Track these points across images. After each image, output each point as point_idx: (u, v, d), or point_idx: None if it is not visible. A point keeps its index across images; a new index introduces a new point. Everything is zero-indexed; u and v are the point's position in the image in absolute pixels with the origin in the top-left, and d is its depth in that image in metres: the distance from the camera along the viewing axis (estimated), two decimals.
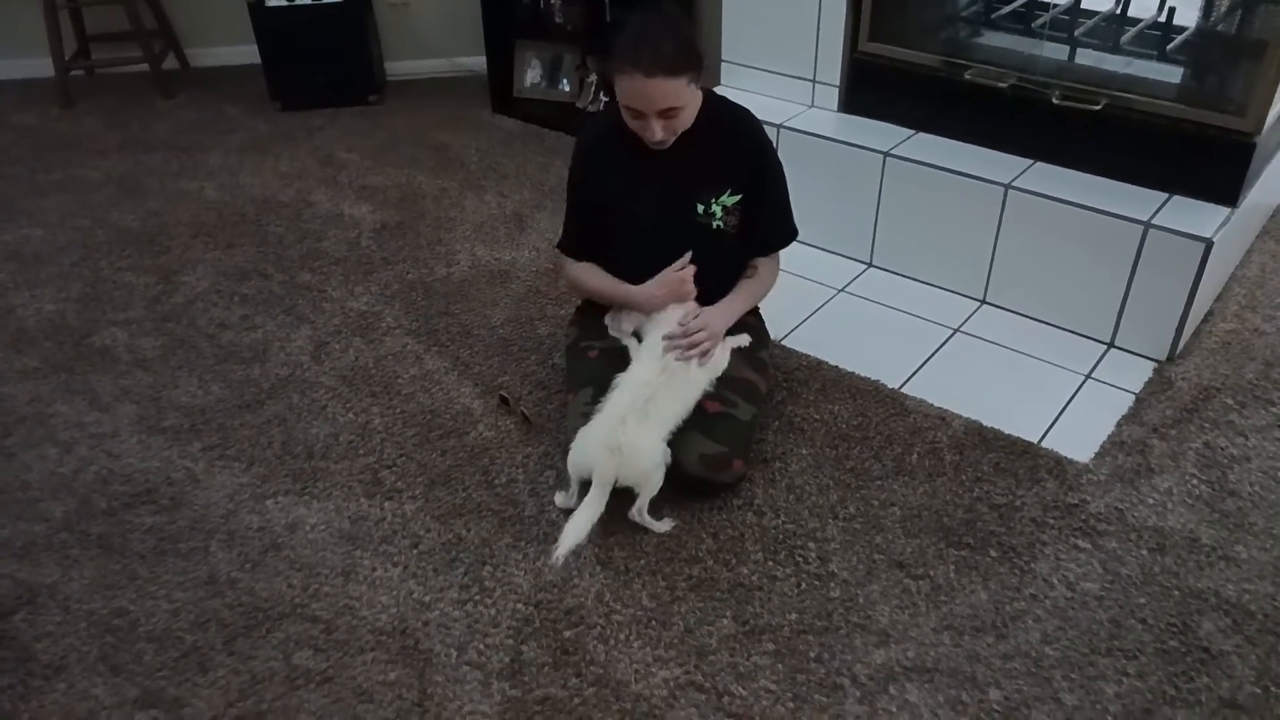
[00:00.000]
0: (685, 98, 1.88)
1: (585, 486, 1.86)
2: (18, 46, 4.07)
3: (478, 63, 4.00)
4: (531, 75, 3.76)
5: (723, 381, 2.00)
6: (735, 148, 2.03)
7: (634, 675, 1.67)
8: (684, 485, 1.92)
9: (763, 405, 2.11)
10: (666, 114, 1.88)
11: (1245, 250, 2.74)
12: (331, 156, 3.48)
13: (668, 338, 1.95)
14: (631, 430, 1.81)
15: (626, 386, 1.90)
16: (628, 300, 2.08)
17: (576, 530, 1.77)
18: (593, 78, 3.63)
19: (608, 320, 2.12)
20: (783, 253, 2.18)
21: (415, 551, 1.92)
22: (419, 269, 2.83)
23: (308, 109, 3.81)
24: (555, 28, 3.54)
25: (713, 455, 1.90)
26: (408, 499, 2.04)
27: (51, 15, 3.72)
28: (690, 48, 1.87)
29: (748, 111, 2.07)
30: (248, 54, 4.10)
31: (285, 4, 3.60)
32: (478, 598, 1.82)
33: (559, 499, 2.00)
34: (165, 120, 3.80)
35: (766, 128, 2.10)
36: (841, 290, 2.69)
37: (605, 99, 3.61)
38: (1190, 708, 1.60)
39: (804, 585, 1.83)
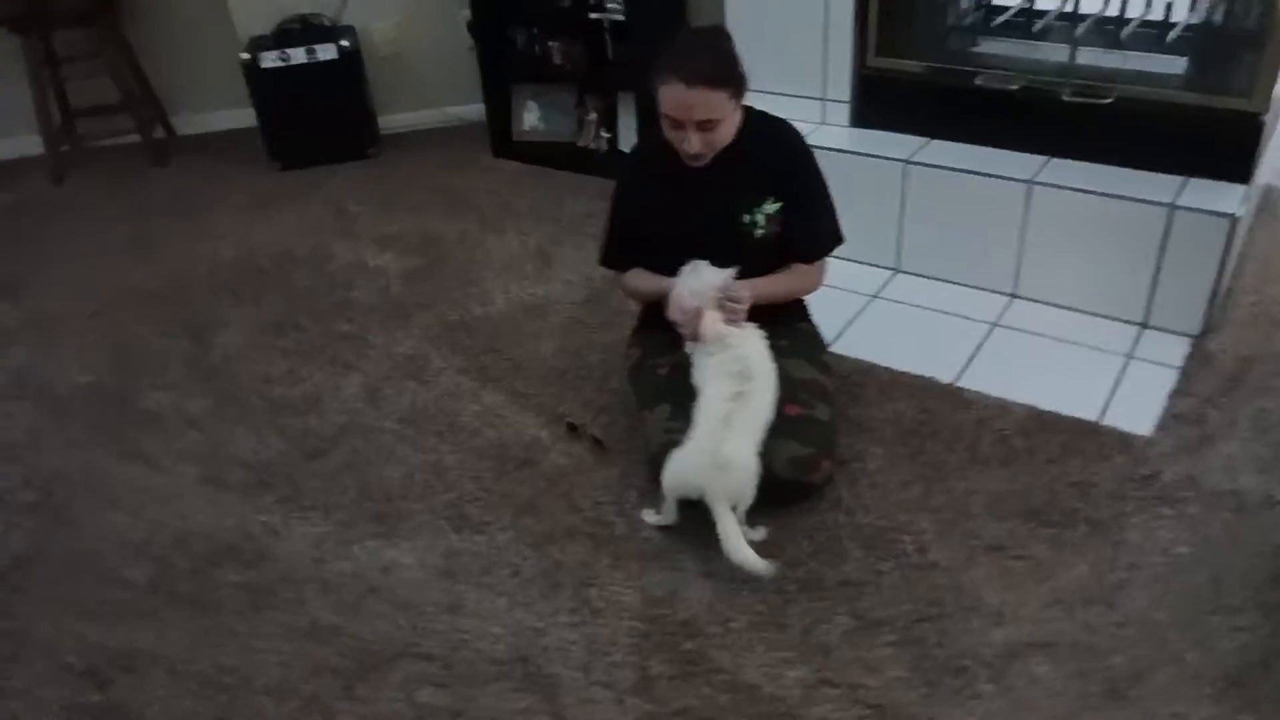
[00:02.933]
0: (724, 111, 1.94)
1: (681, 505, 1.91)
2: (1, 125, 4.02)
3: (470, 110, 4.04)
4: (530, 118, 3.81)
5: (794, 384, 2.03)
6: (774, 156, 2.09)
7: (764, 679, 1.69)
8: (774, 491, 1.94)
9: (835, 405, 2.16)
10: (704, 126, 1.93)
11: (1249, 228, 2.87)
12: (342, 210, 3.49)
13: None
14: (731, 445, 1.83)
15: (710, 405, 1.90)
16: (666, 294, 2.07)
17: (739, 545, 1.78)
18: (592, 115, 3.69)
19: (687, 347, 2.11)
20: None
21: (516, 580, 1.92)
22: (456, 310, 2.84)
23: (307, 166, 3.81)
24: (553, 69, 3.60)
25: (802, 457, 1.93)
26: (497, 530, 2.04)
27: (40, 92, 3.69)
28: (733, 64, 1.94)
29: (786, 122, 2.13)
30: (236, 118, 4.10)
31: (280, 64, 3.61)
32: (590, 619, 1.82)
33: (650, 518, 2.01)
34: (163, 186, 3.78)
35: None
36: (875, 297, 2.76)
37: (607, 136, 3.67)
38: None
39: (909, 576, 1.86)
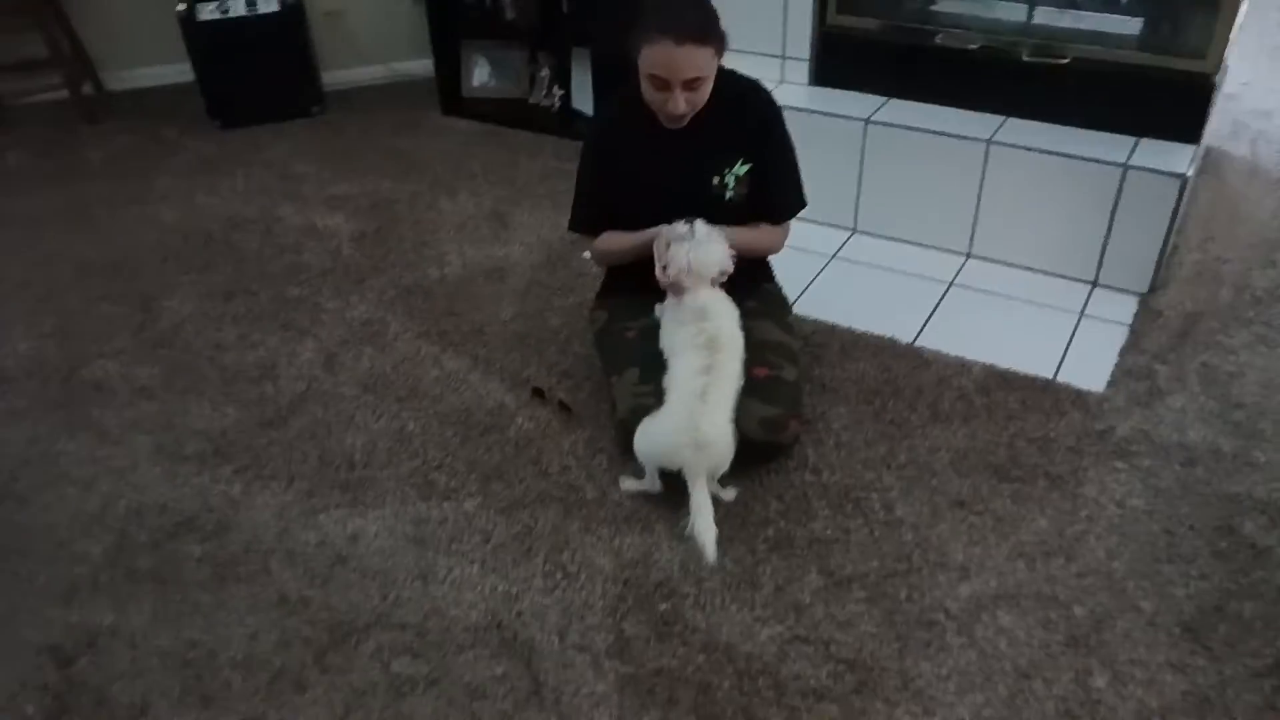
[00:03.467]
0: (710, 69, 1.92)
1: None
2: None
3: (417, 66, 3.95)
4: (480, 75, 3.73)
5: (762, 346, 2.04)
6: (746, 118, 2.08)
7: (740, 637, 1.71)
8: (744, 452, 1.94)
9: (801, 364, 2.17)
10: (690, 84, 1.91)
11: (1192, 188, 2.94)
12: (288, 170, 3.39)
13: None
14: (708, 421, 1.82)
15: (683, 380, 1.88)
16: (647, 245, 2.04)
17: (707, 525, 1.75)
18: (545, 72, 3.63)
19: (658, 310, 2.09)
20: None
21: (488, 546, 1.91)
22: (411, 273, 2.78)
23: (250, 125, 3.69)
24: (504, 25, 3.53)
25: (771, 417, 1.94)
26: (466, 497, 2.02)
27: None
28: (715, 19, 1.92)
29: (757, 82, 2.12)
30: (170, 74, 3.96)
31: (219, 17, 3.48)
32: (564, 583, 1.82)
33: (630, 485, 2.00)
34: (97, 148, 3.62)
35: None
36: (834, 257, 2.77)
37: (560, 93, 3.61)
38: (1254, 599, 1.73)
39: (877, 533, 1.90)
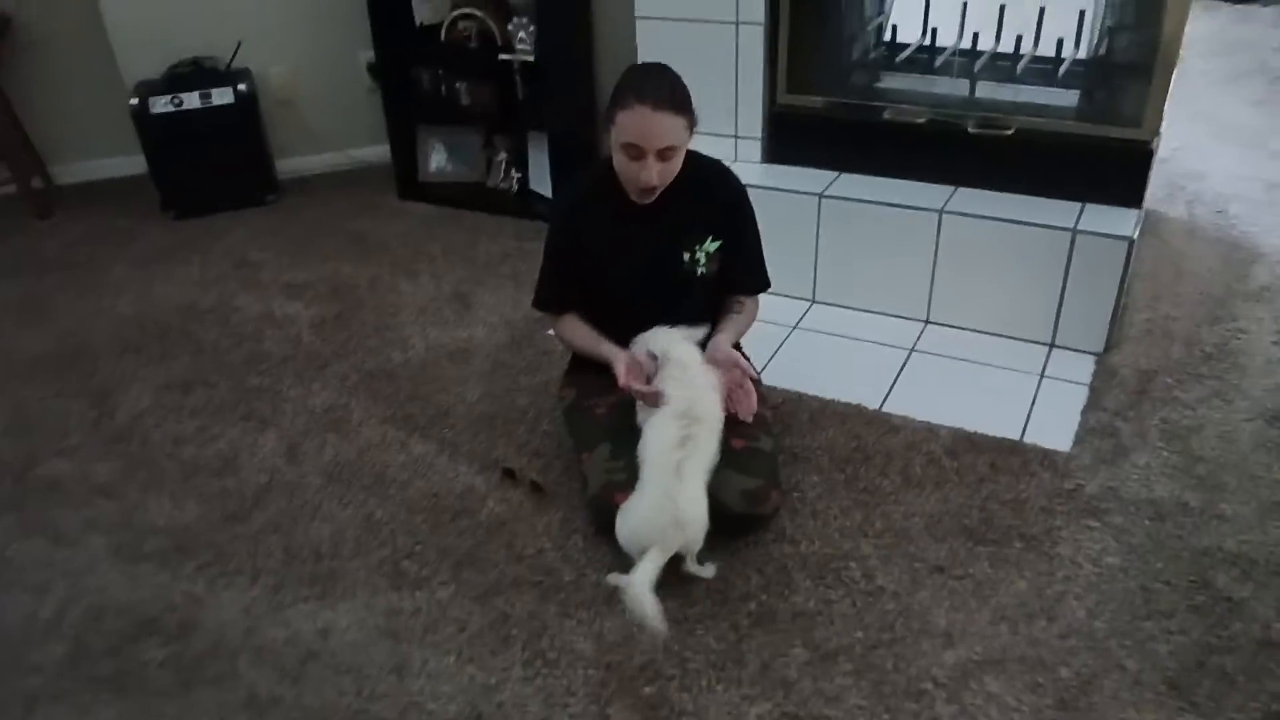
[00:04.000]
0: (682, 140, 1.96)
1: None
2: None
3: (373, 153, 3.98)
4: (437, 159, 3.77)
5: (737, 418, 2.04)
6: (714, 196, 2.11)
7: (728, 717, 1.67)
8: (724, 524, 1.94)
9: (776, 435, 2.17)
10: (664, 154, 1.93)
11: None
12: (245, 258, 3.36)
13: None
14: (685, 498, 1.81)
15: (658, 455, 1.86)
16: (607, 360, 2.07)
17: (647, 598, 1.72)
18: (502, 156, 3.67)
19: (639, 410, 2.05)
20: None
21: (464, 635, 1.86)
22: (374, 358, 2.76)
23: (204, 215, 3.67)
24: (460, 110, 3.57)
25: (752, 490, 1.94)
26: (438, 585, 1.98)
27: None
28: (689, 96, 1.96)
29: (721, 162, 2.17)
30: (122, 165, 3.95)
31: (172, 109, 3.48)
32: (545, 671, 1.78)
33: (619, 580, 1.88)
34: (48, 240, 3.57)
35: None
36: (795, 327, 2.81)
37: (518, 176, 3.65)
38: (1234, 653, 1.74)
39: (859, 603, 1.88)
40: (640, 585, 1.73)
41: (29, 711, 1.75)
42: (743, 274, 2.19)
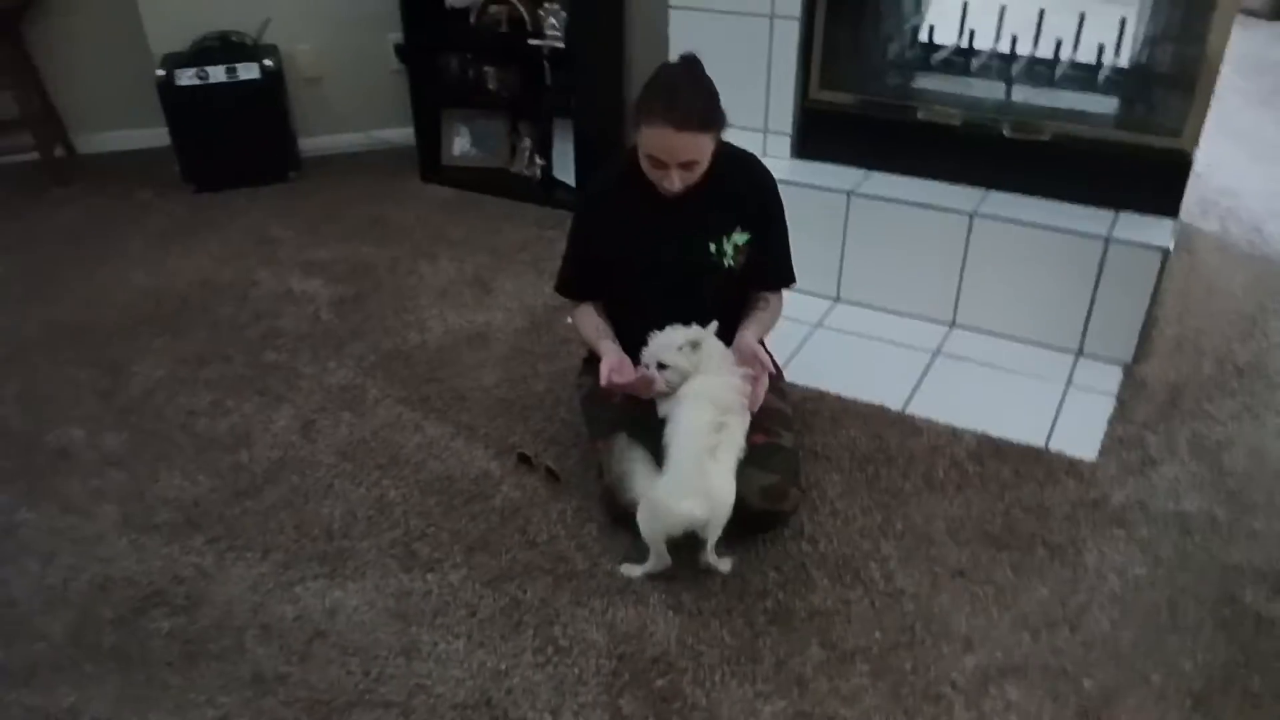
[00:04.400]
0: (708, 152, 1.92)
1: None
2: None
3: (397, 135, 3.95)
4: (460, 143, 3.74)
5: (760, 413, 2.01)
6: (744, 189, 2.08)
7: (742, 714, 1.64)
8: (745, 521, 1.90)
9: (797, 431, 2.14)
10: (687, 166, 1.91)
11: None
12: (265, 235, 3.34)
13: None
14: (715, 474, 1.78)
15: (692, 435, 1.83)
16: (604, 356, 2.03)
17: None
18: (526, 142, 3.64)
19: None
20: None
21: (474, 620, 1.83)
22: (391, 338, 2.73)
23: (225, 189, 3.64)
24: (486, 95, 3.54)
25: (772, 486, 1.90)
26: (450, 568, 1.95)
27: None
28: (717, 103, 1.92)
29: (753, 155, 2.13)
30: (144, 137, 3.93)
31: (198, 82, 3.46)
32: (556, 658, 1.75)
33: (632, 571, 1.90)
34: (67, 209, 3.55)
35: None
36: (818, 326, 2.77)
37: (541, 163, 3.62)
38: (1262, 672, 1.70)
39: (878, 604, 1.85)
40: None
41: (28, 680, 1.72)
42: (770, 269, 2.15)
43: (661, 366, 1.92)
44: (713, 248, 2.06)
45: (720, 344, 1.97)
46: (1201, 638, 1.76)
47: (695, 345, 1.91)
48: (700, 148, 1.89)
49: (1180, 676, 1.69)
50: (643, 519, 1.83)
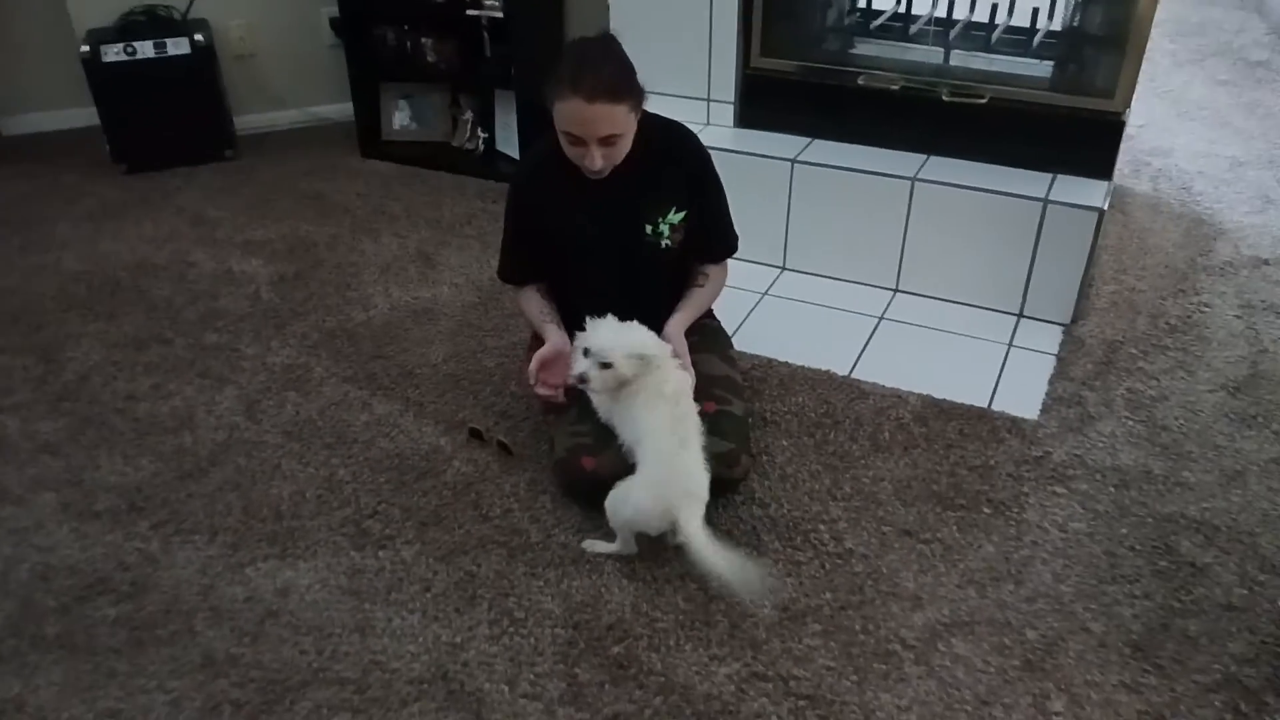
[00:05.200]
0: (626, 125, 1.87)
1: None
2: None
3: (335, 110, 3.88)
4: (400, 118, 3.68)
5: (708, 381, 2.02)
6: (676, 165, 2.05)
7: (696, 677, 1.65)
8: None
9: (746, 399, 2.15)
10: (606, 141, 1.86)
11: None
12: (201, 215, 3.26)
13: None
14: (692, 467, 1.79)
15: (655, 438, 1.82)
16: (549, 339, 2.03)
17: (718, 555, 1.71)
18: (468, 115, 3.60)
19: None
20: None
21: (429, 595, 1.82)
22: (335, 316, 2.69)
23: (157, 170, 3.55)
24: (426, 67, 3.49)
25: (724, 453, 1.91)
26: (402, 545, 1.93)
27: None
28: (631, 74, 1.88)
29: (683, 126, 2.09)
30: (71, 117, 3.80)
31: (125, 58, 3.35)
32: (511, 630, 1.75)
33: (598, 547, 1.89)
34: None
35: None
36: (765, 294, 2.78)
37: (484, 135, 3.58)
38: (1196, 616, 1.76)
39: (828, 565, 1.88)
40: (706, 548, 1.71)
41: None
42: (708, 241, 2.14)
43: (604, 365, 1.84)
44: (649, 229, 2.04)
45: (655, 339, 1.91)
46: (1139, 586, 1.82)
47: (645, 359, 1.85)
48: (615, 120, 1.84)
49: (1120, 624, 1.74)
50: (617, 513, 1.82)
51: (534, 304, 2.14)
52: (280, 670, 1.68)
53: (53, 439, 2.25)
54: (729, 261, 2.21)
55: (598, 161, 1.88)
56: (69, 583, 1.86)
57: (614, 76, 1.83)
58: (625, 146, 1.91)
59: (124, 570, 1.89)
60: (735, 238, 2.19)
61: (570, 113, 1.83)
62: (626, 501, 1.80)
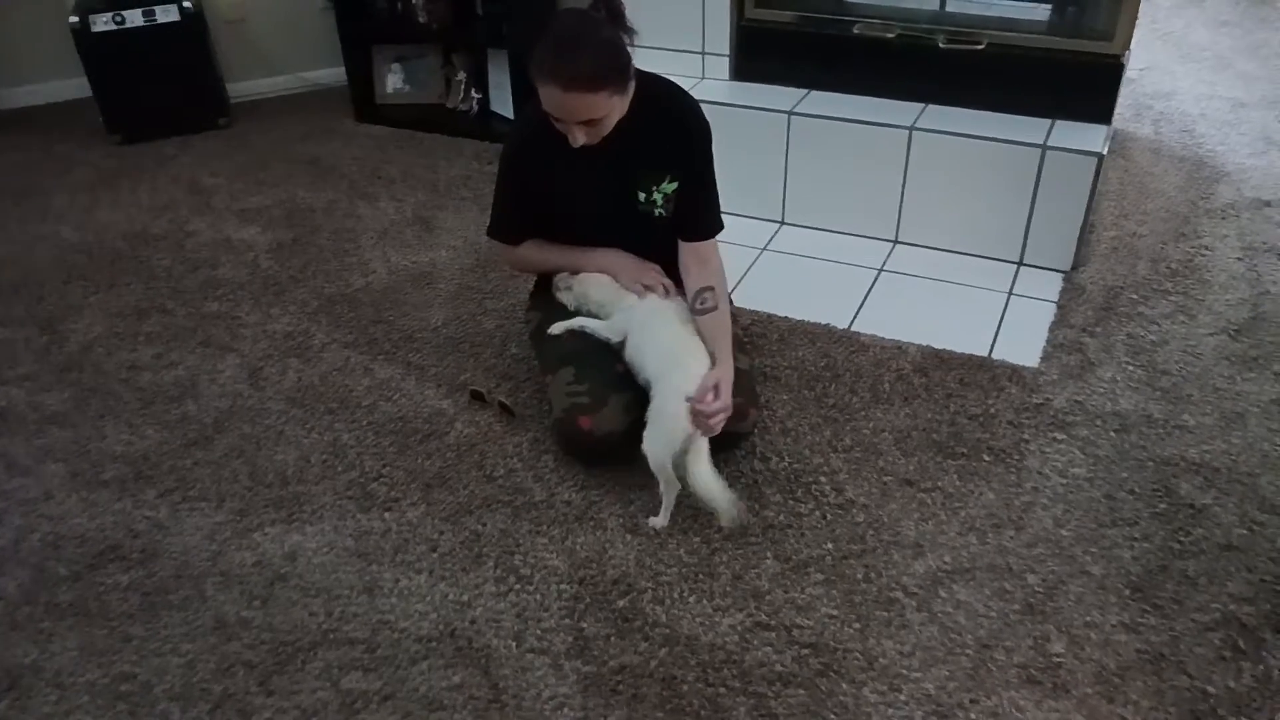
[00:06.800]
0: (606, 109, 1.81)
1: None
2: None
3: (328, 75, 3.85)
4: (393, 80, 3.65)
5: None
6: (674, 133, 1.98)
7: (701, 628, 1.68)
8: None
9: (750, 354, 2.16)
10: (587, 123, 1.82)
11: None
12: (197, 183, 3.25)
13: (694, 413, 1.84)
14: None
15: (679, 337, 1.91)
16: (591, 265, 2.07)
17: (715, 483, 1.80)
18: (461, 76, 3.56)
19: (557, 283, 2.11)
20: None
21: (435, 555, 1.84)
22: (334, 282, 2.69)
23: (152, 139, 3.53)
24: (418, 28, 3.45)
25: (734, 407, 1.91)
26: (408, 506, 1.95)
27: None
28: (612, 59, 1.79)
29: (684, 92, 2.02)
30: (64, 89, 3.78)
31: (115, 27, 3.32)
32: (518, 587, 1.77)
33: (658, 522, 1.88)
34: None
35: None
36: (764, 249, 2.78)
37: (477, 96, 3.55)
38: (1195, 557, 1.77)
39: (829, 516, 1.89)
40: (705, 475, 1.78)
41: None
42: (696, 218, 2.03)
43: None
44: (642, 198, 2.00)
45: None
46: (1139, 529, 1.83)
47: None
48: (593, 107, 1.78)
49: (1119, 566, 1.76)
50: (654, 443, 1.82)
51: (540, 249, 2.13)
52: (291, 632, 1.71)
53: (59, 410, 2.26)
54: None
55: (579, 140, 1.84)
56: (80, 551, 1.89)
57: (593, 64, 1.75)
58: (609, 125, 1.85)
59: (134, 537, 1.91)
60: (719, 220, 2.07)
61: (548, 97, 1.78)
62: (655, 421, 1.83)
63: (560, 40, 1.76)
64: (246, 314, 2.58)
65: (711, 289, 1.96)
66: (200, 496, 2.00)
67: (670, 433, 1.80)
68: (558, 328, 2.05)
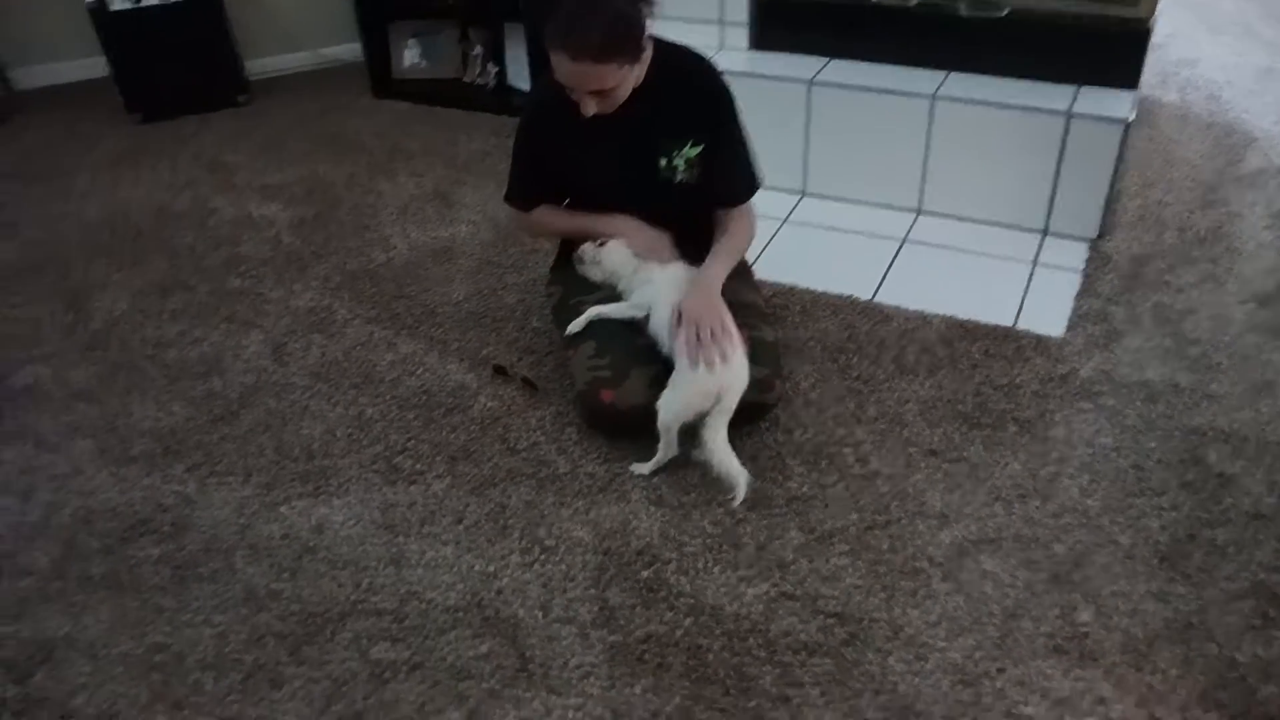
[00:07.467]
0: (617, 79, 1.80)
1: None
2: None
3: (345, 51, 3.84)
4: (410, 56, 3.64)
5: (736, 308, 1.98)
6: (692, 97, 1.97)
7: (725, 598, 1.68)
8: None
9: (774, 325, 2.15)
10: (598, 93, 1.81)
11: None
12: (218, 161, 3.26)
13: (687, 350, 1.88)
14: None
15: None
16: (604, 230, 2.06)
17: (729, 457, 1.84)
18: (478, 50, 3.55)
19: (579, 255, 2.09)
20: None
21: (461, 527, 1.85)
22: (356, 258, 2.70)
23: (172, 117, 3.54)
24: (435, 3, 3.44)
25: (759, 379, 1.90)
26: (434, 479, 1.96)
27: None
28: (625, 30, 1.76)
29: (701, 57, 2.01)
30: (83, 68, 3.79)
31: (132, 6, 3.32)
32: (543, 558, 1.78)
33: (641, 468, 1.92)
34: (10, 147, 3.44)
35: None
36: (785, 221, 2.76)
37: (495, 70, 3.54)
38: (1224, 525, 1.76)
39: (853, 487, 1.89)
40: (720, 448, 1.81)
41: (19, 614, 1.73)
42: (726, 179, 2.04)
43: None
44: (662, 163, 1.99)
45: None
46: (1167, 498, 1.82)
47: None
48: (603, 77, 1.77)
49: (1147, 535, 1.75)
50: (669, 406, 1.85)
51: (554, 214, 2.14)
52: (320, 603, 1.72)
53: (85, 386, 2.28)
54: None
55: (590, 109, 1.84)
56: (111, 525, 1.91)
57: (603, 35, 1.74)
58: (622, 94, 1.85)
59: (163, 511, 1.93)
60: (756, 178, 2.09)
61: (558, 66, 1.78)
62: (677, 386, 1.85)
63: (571, 10, 1.75)
64: (269, 290, 2.59)
65: (726, 226, 2.05)
66: (228, 471, 2.02)
67: (686, 400, 1.83)
68: (577, 325, 2.02)
